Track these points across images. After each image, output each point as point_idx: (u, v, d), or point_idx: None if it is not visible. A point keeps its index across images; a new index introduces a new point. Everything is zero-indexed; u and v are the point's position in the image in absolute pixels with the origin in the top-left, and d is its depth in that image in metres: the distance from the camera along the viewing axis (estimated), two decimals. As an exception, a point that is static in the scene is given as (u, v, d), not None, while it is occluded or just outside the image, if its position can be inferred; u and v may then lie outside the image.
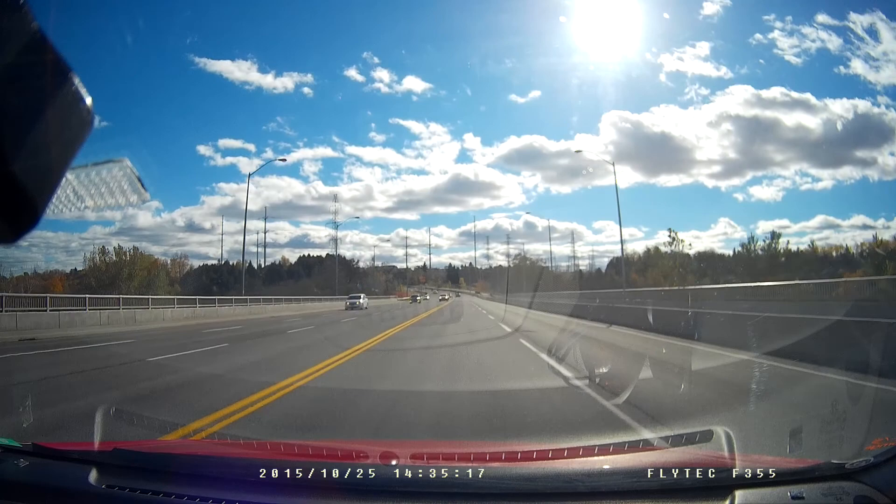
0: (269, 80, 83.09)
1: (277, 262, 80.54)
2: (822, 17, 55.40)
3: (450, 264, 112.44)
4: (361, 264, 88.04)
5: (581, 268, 76.76)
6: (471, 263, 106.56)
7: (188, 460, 2.36)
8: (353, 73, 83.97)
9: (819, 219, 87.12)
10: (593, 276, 70.78)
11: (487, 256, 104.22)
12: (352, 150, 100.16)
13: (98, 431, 3.18)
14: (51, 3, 1.05)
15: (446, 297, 74.49)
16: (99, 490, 1.99)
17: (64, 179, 0.97)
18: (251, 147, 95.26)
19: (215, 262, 73.45)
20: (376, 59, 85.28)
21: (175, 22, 67.62)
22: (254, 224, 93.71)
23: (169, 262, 69.93)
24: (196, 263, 72.40)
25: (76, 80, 0.91)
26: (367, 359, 10.78)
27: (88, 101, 0.93)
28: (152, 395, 6.87)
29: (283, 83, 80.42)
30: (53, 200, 0.95)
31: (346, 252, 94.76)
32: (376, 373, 9.02)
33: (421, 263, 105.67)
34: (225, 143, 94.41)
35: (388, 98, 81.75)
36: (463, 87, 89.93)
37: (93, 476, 2.02)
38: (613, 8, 65.02)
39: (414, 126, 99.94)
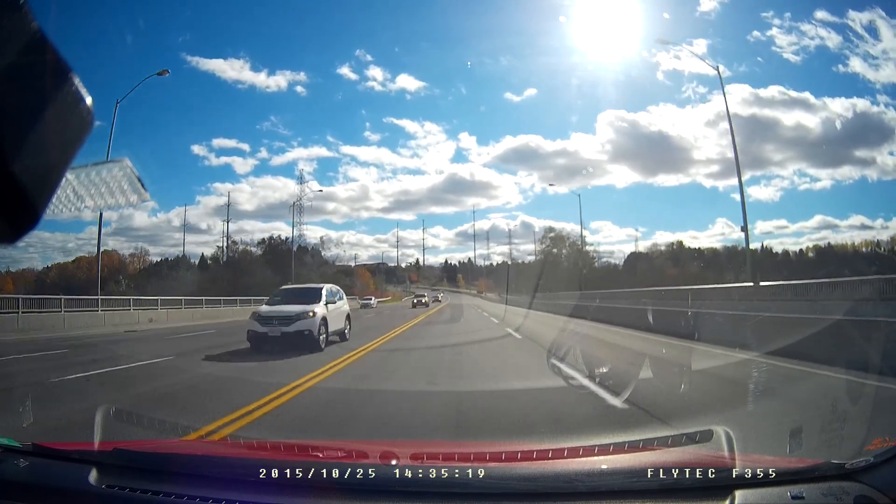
0: (261, 79, 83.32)
1: (234, 255, 65.10)
2: (821, 14, 55.54)
3: (446, 260, 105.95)
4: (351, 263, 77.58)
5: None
6: (470, 259, 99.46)
7: (188, 460, 2.36)
8: (345, 70, 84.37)
9: (817, 219, 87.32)
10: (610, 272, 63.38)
11: (486, 257, 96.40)
12: (347, 149, 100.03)
13: (98, 431, 3.18)
14: (51, 3, 1.06)
15: (425, 300, 49.71)
16: (99, 490, 1.98)
17: (64, 179, 0.97)
18: (245, 147, 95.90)
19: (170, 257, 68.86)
20: (369, 57, 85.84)
21: (166, 20, 67.82)
22: (252, 224, 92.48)
23: (127, 256, 65.40)
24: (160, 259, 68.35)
25: (76, 80, 0.91)
26: None
27: (88, 101, 0.93)
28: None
29: (276, 82, 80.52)
30: (53, 200, 0.95)
31: (343, 253, 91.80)
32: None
33: (418, 262, 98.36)
34: (219, 142, 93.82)
35: (382, 96, 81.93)
36: (457, 85, 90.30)
37: (93, 476, 2.02)
38: (609, 5, 64.88)
39: (408, 125, 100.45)
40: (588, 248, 60.16)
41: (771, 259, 58.19)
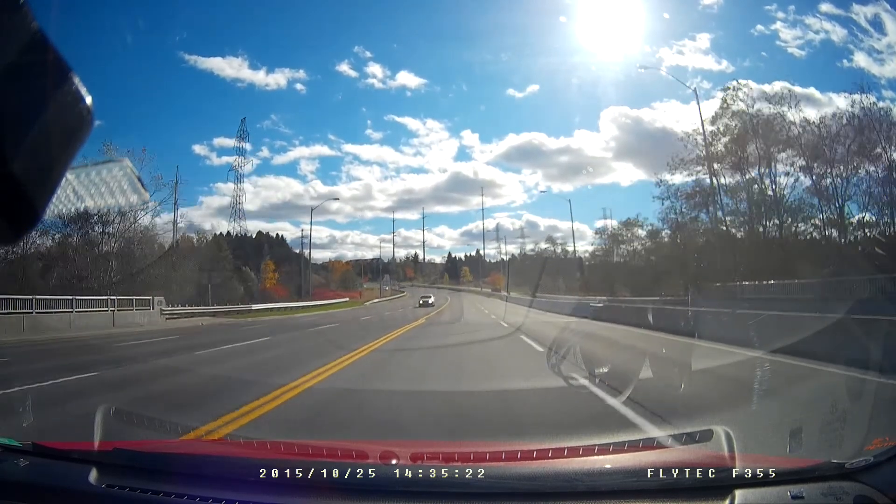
0: (261, 77, 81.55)
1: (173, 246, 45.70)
2: (825, 7, 54.60)
3: (449, 254, 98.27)
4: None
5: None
6: (478, 251, 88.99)
7: (188, 460, 2.36)
8: (345, 67, 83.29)
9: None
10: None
11: (495, 257, 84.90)
12: (349, 148, 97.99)
13: (98, 431, 3.18)
14: (51, 3, 1.05)
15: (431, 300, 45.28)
16: (99, 490, 1.99)
17: (64, 179, 0.97)
18: (247, 146, 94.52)
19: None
20: (368, 54, 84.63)
21: (164, 19, 66.94)
22: (255, 224, 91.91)
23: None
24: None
25: (76, 80, 0.91)
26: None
27: (88, 100, 0.93)
28: None
29: (275, 79, 79.13)
30: (53, 200, 0.95)
31: (348, 253, 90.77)
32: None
33: (416, 256, 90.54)
34: (220, 141, 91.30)
35: (383, 94, 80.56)
36: (458, 82, 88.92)
37: (93, 476, 2.02)
38: (610, 1, 64.14)
39: (410, 123, 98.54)
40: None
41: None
